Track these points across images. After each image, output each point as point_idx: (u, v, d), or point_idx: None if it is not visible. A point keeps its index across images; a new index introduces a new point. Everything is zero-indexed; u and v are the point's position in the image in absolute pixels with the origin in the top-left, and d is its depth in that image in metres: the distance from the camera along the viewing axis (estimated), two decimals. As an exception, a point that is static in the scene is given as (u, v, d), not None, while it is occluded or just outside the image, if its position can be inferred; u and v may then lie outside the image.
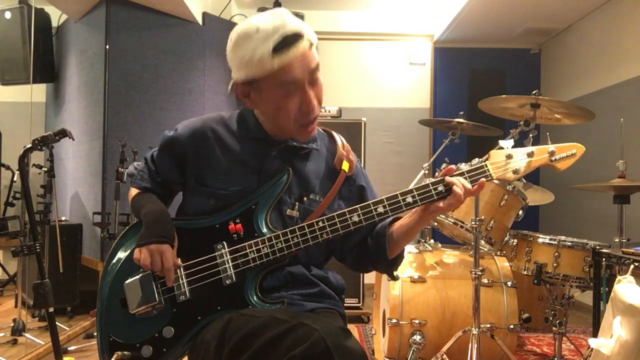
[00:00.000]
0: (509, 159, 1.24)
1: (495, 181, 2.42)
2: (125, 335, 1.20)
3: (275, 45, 1.11)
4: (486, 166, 1.24)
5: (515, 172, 1.24)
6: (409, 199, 1.20)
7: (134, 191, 1.36)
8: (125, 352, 1.18)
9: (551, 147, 1.25)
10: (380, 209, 1.20)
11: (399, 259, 1.35)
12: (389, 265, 1.33)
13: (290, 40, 1.12)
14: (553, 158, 1.25)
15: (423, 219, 1.25)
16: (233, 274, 1.19)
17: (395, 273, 1.38)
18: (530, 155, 1.25)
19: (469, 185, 1.20)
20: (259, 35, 1.12)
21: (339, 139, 1.37)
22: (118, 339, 1.20)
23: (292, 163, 1.28)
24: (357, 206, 1.20)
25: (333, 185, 1.29)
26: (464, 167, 1.27)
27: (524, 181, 1.28)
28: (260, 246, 1.19)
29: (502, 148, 1.27)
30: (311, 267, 1.29)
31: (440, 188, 1.21)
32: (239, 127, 1.30)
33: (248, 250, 1.19)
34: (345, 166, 1.32)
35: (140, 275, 1.20)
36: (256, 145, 1.28)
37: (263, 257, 1.19)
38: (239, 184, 1.25)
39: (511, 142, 1.29)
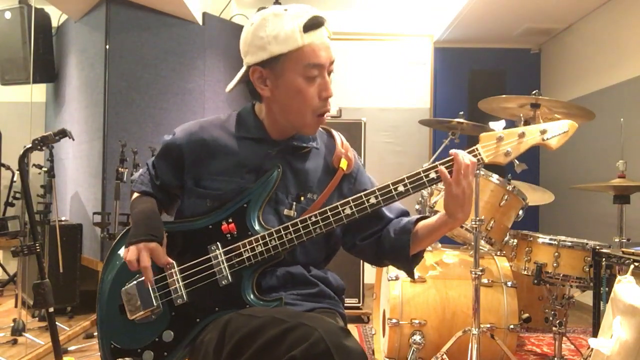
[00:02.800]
0: (500, 141, 1.21)
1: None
2: (126, 341, 1.20)
3: (306, 22, 1.15)
4: (477, 149, 1.21)
5: (507, 154, 1.20)
6: (401, 188, 1.18)
7: (134, 195, 1.37)
8: (127, 359, 1.18)
9: (542, 125, 1.22)
10: (373, 200, 1.18)
11: (418, 257, 1.32)
12: (409, 262, 1.30)
13: (318, 22, 1.18)
14: (545, 137, 1.21)
15: (446, 222, 1.21)
16: (229, 274, 1.19)
17: (414, 271, 1.35)
18: (521, 135, 1.20)
19: (471, 158, 1.17)
20: (289, 13, 1.17)
21: (338, 137, 1.36)
22: (119, 345, 1.20)
23: (292, 163, 1.28)
24: (349, 198, 1.19)
25: (329, 184, 1.28)
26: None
27: (517, 162, 1.25)
28: (255, 245, 1.18)
29: (492, 130, 1.24)
30: (310, 267, 1.29)
31: (432, 175, 1.18)
32: (238, 128, 1.30)
33: (242, 250, 1.19)
34: (343, 164, 1.31)
35: (136, 281, 1.20)
36: (255, 145, 1.27)
37: (258, 255, 1.18)
38: (236, 184, 1.24)
39: (502, 123, 1.26)
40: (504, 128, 1.23)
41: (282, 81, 1.19)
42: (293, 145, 1.28)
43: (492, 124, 1.28)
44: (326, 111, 1.23)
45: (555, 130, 1.21)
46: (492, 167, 2.20)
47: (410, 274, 1.35)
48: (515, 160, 1.23)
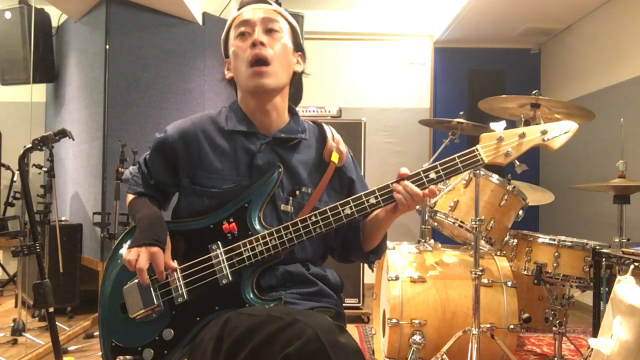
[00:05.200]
0: (500, 141, 1.21)
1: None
2: (126, 340, 1.20)
3: (241, 2, 1.33)
4: (477, 150, 1.21)
5: (507, 154, 1.20)
6: None
7: (130, 197, 1.37)
8: (127, 357, 1.19)
9: (543, 126, 1.21)
10: (372, 200, 1.19)
11: (379, 249, 1.37)
12: (366, 256, 1.37)
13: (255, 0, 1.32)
14: (546, 137, 1.21)
15: (388, 216, 1.25)
16: (229, 274, 1.19)
17: (381, 263, 1.41)
18: (521, 136, 1.20)
19: (416, 190, 1.17)
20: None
21: (328, 130, 1.37)
22: (120, 343, 1.21)
23: (282, 156, 1.29)
24: (349, 199, 1.20)
25: (322, 177, 1.30)
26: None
27: (517, 162, 1.25)
28: (255, 244, 1.19)
29: (493, 130, 1.24)
30: (309, 265, 1.29)
31: (432, 175, 1.19)
32: (227, 123, 1.31)
33: (243, 249, 1.19)
34: (334, 157, 1.32)
35: (138, 279, 1.20)
36: (245, 139, 1.29)
37: (258, 255, 1.19)
38: (231, 181, 1.26)
39: (503, 124, 1.26)
40: (505, 129, 1.23)
41: (231, 52, 1.31)
42: (281, 138, 1.30)
43: (492, 125, 1.28)
44: (255, 56, 1.24)
45: (556, 131, 1.21)
46: (492, 167, 2.21)
47: (370, 267, 1.43)
48: (516, 161, 1.23)
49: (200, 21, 3.77)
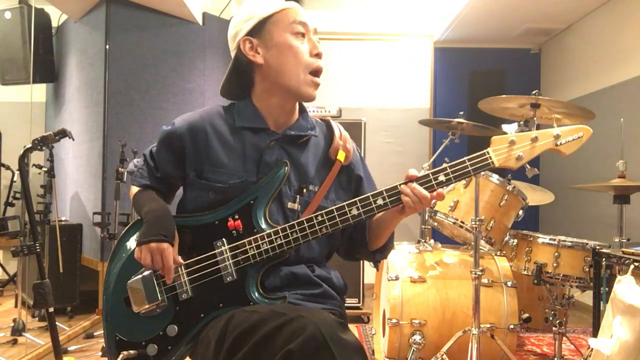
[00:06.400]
0: (512, 144, 1.18)
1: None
2: (130, 334, 1.21)
3: None
4: (488, 153, 1.19)
5: (518, 158, 1.18)
6: None
7: (134, 189, 1.36)
8: (131, 352, 1.18)
9: (556, 130, 1.18)
10: (380, 202, 1.18)
11: (385, 248, 1.37)
12: (371, 255, 1.38)
13: None
14: (558, 142, 1.18)
15: (395, 217, 1.25)
16: (234, 271, 1.19)
17: (383, 261, 1.40)
18: (534, 140, 1.18)
19: (424, 193, 1.16)
20: None
21: (336, 128, 1.36)
22: (124, 337, 1.21)
23: (291, 153, 1.28)
24: (356, 199, 1.19)
25: (327, 176, 1.29)
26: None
27: (528, 167, 1.23)
28: (260, 242, 1.19)
29: (505, 133, 1.22)
30: (314, 266, 1.29)
31: (441, 178, 1.18)
32: (237, 119, 1.30)
33: (248, 247, 1.19)
34: (340, 156, 1.31)
35: (142, 274, 1.20)
36: (254, 136, 1.28)
37: (263, 253, 1.18)
38: (237, 176, 1.25)
39: (515, 126, 1.24)
40: (516, 131, 1.20)
41: (272, 43, 1.25)
42: (291, 135, 1.29)
43: (504, 127, 1.25)
44: (318, 68, 1.26)
45: (569, 136, 1.18)
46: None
47: (375, 266, 1.43)
48: (527, 165, 1.21)
49: (200, 21, 3.77)
